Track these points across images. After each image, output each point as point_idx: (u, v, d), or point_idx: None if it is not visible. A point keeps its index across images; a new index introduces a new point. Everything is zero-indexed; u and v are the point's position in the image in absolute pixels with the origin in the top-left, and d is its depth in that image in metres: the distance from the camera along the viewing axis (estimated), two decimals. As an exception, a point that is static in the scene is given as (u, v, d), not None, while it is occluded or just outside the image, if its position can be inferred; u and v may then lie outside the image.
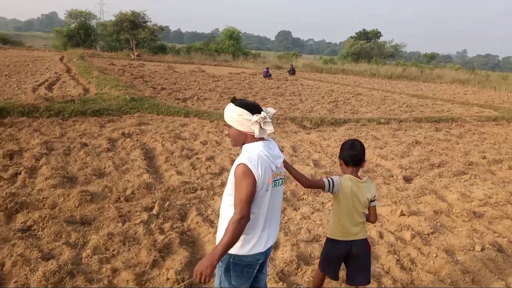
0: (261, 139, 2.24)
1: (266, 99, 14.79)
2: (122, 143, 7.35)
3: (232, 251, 2.15)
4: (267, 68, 25.34)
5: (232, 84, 18.52)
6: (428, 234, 4.57)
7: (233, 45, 46.25)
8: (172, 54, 39.85)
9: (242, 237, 2.13)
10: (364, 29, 59.91)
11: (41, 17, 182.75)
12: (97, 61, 25.74)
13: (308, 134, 9.54)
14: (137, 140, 7.57)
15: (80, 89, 12.76)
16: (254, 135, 2.19)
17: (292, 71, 28.17)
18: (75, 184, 5.29)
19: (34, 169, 5.67)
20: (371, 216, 2.91)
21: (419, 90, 25.29)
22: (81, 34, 41.04)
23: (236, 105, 2.21)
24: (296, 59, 45.02)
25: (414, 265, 3.91)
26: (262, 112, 2.18)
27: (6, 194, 4.46)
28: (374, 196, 2.86)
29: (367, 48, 55.40)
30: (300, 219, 4.72)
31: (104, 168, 6.05)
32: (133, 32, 39.22)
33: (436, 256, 4.07)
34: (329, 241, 2.94)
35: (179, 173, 5.97)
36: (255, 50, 63.60)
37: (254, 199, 2.13)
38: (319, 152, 7.92)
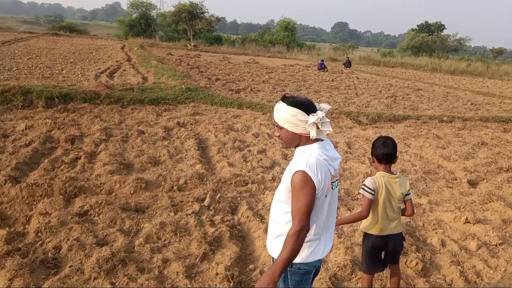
0: (317, 139, 2.04)
1: (320, 92, 14.47)
2: (177, 132, 7.47)
3: None
4: (322, 60, 24.82)
5: (285, 76, 18.32)
6: (496, 245, 4.18)
7: (287, 36, 45.87)
8: (227, 45, 40.25)
9: None
10: (426, 21, 57.02)
11: (105, 7, 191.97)
12: (155, 50, 26.53)
13: (364, 130, 9.19)
14: (191, 130, 7.66)
15: (139, 77, 13.17)
16: (309, 137, 2.00)
17: (348, 64, 27.38)
18: (131, 171, 5.42)
19: (93, 155, 5.88)
20: (408, 210, 2.96)
21: (484, 87, 23.59)
22: (141, 24, 42.56)
23: (288, 104, 1.98)
24: (352, 51, 43.77)
25: (479, 278, 3.59)
26: (318, 112, 1.98)
27: (66, 178, 4.65)
28: (409, 190, 2.91)
29: (429, 41, 52.61)
30: (354, 220, 4.50)
31: (159, 156, 6.16)
32: (190, 23, 40.05)
33: (505, 270, 3.73)
34: (367, 236, 2.97)
35: (230, 165, 5.94)
36: (309, 42, 62.70)
37: (314, 207, 1.95)
38: (375, 150, 7.58)
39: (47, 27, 43.51)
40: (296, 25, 51.76)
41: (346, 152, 7.22)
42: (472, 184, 6.20)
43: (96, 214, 4.04)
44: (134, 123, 7.89)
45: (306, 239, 1.98)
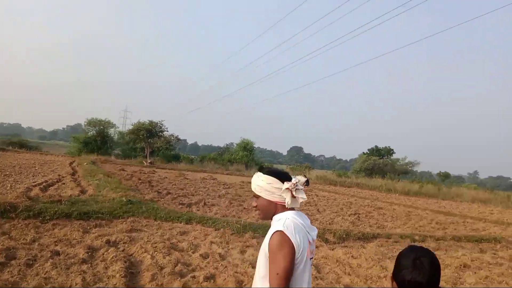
0: (292, 209, 2.06)
1: (280, 209, 13.43)
2: (103, 254, 5.88)
3: None
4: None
5: (243, 192, 17.34)
6: None
7: (246, 155, 46.39)
8: (186, 162, 39.75)
9: None
10: (376, 146, 60.51)
11: (66, 127, 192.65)
12: (108, 166, 25.23)
13: (333, 250, 7.95)
14: (123, 250, 6.12)
15: (77, 190, 11.65)
16: (285, 205, 2.03)
17: (306, 182, 27.10)
18: (18, 310, 3.77)
19: (-28, 285, 4.21)
20: None
21: (442, 207, 23.64)
22: (97, 141, 41.73)
23: (264, 173, 2.09)
24: (308, 171, 44.44)
25: None
26: (293, 179, 2.04)
27: None
28: None
29: (380, 164, 55.09)
30: None
31: (70, 286, 4.55)
32: (149, 141, 39.75)
33: None
34: None
35: (165, 298, 4.41)
36: (267, 163, 63.95)
37: (293, 275, 1.83)
38: (349, 274, 6.28)
39: (-5, 143, 41.53)
40: (254, 147, 53.00)
41: (316, 277, 5.87)
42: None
43: None
44: (51, 241, 6.25)
45: None
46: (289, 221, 1.92)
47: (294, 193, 2.00)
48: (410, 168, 60.81)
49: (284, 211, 2.04)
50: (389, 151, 60.44)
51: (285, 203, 2.01)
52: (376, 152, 59.34)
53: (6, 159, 23.00)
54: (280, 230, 1.85)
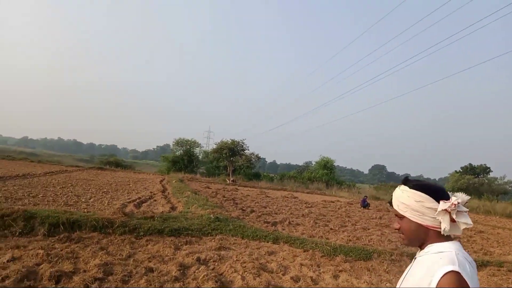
0: (448, 238, 1.61)
1: (368, 229, 12.63)
2: (194, 272, 5.86)
3: None
4: (365, 197, 23.28)
5: (327, 211, 16.74)
6: None
7: (326, 174, 45.41)
8: (266, 181, 40.00)
9: None
10: (470, 164, 55.66)
11: (156, 148, 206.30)
12: (194, 184, 26.22)
13: (435, 278, 7.14)
14: (213, 269, 6.04)
15: (168, 207, 12.10)
16: (439, 232, 1.57)
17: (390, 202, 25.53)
18: (117, 327, 3.78)
19: (75, 299, 4.36)
20: None
21: (556, 233, 20.65)
22: (184, 160, 43.92)
23: (411, 187, 1.65)
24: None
25: None
26: (453, 198, 1.56)
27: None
28: None
29: (476, 183, 50.33)
30: None
31: (164, 304, 4.53)
32: (231, 159, 40.82)
33: None
34: None
35: (259, 323, 4.17)
36: (348, 182, 61.99)
37: None
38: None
39: (94, 163, 45.55)
40: (334, 165, 51.73)
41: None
42: None
43: None
44: (144, 258, 6.41)
45: None
46: (462, 258, 1.51)
47: (454, 216, 1.55)
48: (510, 188, 54.84)
49: (439, 239, 1.61)
50: (485, 170, 55.26)
51: (440, 228, 1.57)
52: (470, 170, 54.58)
53: (104, 177, 24.99)
54: (457, 272, 1.43)
